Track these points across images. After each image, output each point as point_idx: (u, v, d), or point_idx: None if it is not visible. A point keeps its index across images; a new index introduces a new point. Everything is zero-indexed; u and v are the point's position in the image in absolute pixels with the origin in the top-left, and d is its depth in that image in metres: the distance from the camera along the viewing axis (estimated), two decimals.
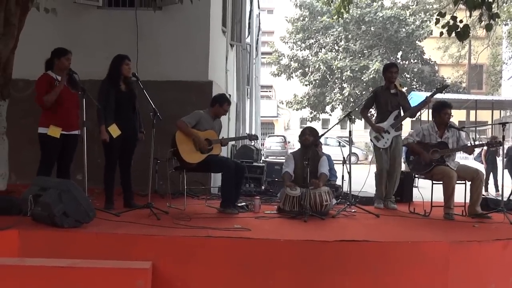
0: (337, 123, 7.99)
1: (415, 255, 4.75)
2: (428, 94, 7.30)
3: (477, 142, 7.24)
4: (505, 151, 11.45)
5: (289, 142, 34.59)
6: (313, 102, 34.75)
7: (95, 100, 5.93)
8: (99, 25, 8.79)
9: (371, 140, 7.27)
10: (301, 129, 7.20)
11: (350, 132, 6.92)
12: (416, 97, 22.44)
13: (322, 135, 6.91)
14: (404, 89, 7.86)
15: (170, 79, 8.49)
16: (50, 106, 5.79)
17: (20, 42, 6.64)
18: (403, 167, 7.60)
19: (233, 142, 10.24)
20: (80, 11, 8.69)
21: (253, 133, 14.76)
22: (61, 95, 5.86)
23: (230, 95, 10.97)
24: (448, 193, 6.35)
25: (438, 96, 7.40)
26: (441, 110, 6.70)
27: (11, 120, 6.93)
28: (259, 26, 19.77)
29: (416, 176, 6.97)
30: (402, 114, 7.21)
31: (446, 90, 7.36)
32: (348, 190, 6.69)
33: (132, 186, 6.53)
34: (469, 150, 6.72)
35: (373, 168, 7.42)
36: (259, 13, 19.98)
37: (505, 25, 30.37)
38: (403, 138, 7.12)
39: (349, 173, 6.62)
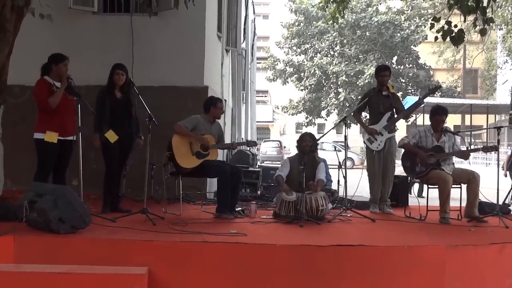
0: (332, 128, 8.00)
1: (411, 259, 4.76)
2: (422, 95, 7.31)
3: (472, 147, 7.26)
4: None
5: (284, 147, 34.60)
6: (309, 107, 34.78)
7: (90, 106, 5.94)
8: (95, 31, 8.79)
9: (364, 142, 7.28)
10: (297, 134, 7.23)
11: (345, 136, 6.94)
12: (411, 102, 22.41)
13: (318, 139, 6.92)
14: (399, 94, 7.88)
15: (166, 84, 8.49)
16: (51, 110, 5.79)
17: (15, 48, 6.63)
18: (397, 171, 7.61)
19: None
20: (75, 16, 8.70)
21: (249, 138, 14.83)
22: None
23: (225, 100, 10.98)
24: (444, 197, 6.36)
25: (432, 100, 7.41)
26: (435, 115, 6.74)
27: (6, 126, 6.91)
28: (255, 31, 19.80)
29: (412, 180, 6.98)
30: (395, 116, 7.23)
31: (441, 94, 7.41)
32: (344, 194, 6.69)
33: (120, 191, 6.54)
34: (465, 155, 6.73)
35: (366, 172, 7.42)
36: (254, 19, 20.00)
37: (499, 29, 30.47)
38: (397, 140, 7.13)
39: (345, 177, 6.63)
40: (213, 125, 6.73)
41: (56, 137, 5.85)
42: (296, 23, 34.30)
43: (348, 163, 6.84)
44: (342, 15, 11.37)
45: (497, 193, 6.39)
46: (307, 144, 6.71)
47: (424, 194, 7.05)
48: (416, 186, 10.42)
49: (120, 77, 6.31)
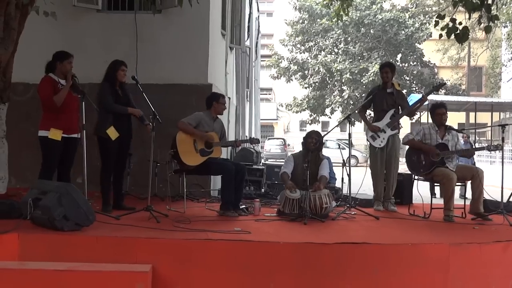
0: (336, 126, 8.01)
1: (415, 257, 4.75)
2: (426, 92, 7.30)
3: (477, 145, 7.24)
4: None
5: (288, 145, 34.59)
6: (313, 104, 34.73)
7: (95, 103, 5.94)
8: (99, 29, 8.80)
9: (367, 139, 7.27)
10: (301, 131, 7.23)
11: (349, 134, 6.93)
12: (415, 99, 22.39)
13: (322, 137, 6.92)
14: (403, 91, 7.85)
15: (170, 82, 8.49)
16: (56, 108, 5.80)
17: (19, 45, 6.64)
18: (401, 169, 7.60)
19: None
20: (79, 14, 8.70)
21: (253, 135, 14.82)
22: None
23: (229, 98, 10.98)
24: (448, 194, 6.35)
25: (437, 98, 7.38)
26: (435, 111, 6.76)
27: (11, 124, 6.92)
28: (259, 29, 19.79)
29: (416, 178, 6.96)
30: (399, 113, 7.22)
31: (445, 92, 7.38)
32: (348, 192, 6.69)
33: (123, 188, 6.54)
34: (469, 153, 6.72)
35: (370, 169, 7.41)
36: (258, 16, 19.98)
37: (504, 27, 30.39)
38: (402, 137, 7.13)
39: (349, 175, 6.62)
40: (215, 122, 6.73)
41: (60, 135, 5.87)
42: (300, 21, 34.24)
43: (352, 161, 6.80)
44: (346, 12, 11.34)
45: (501, 191, 6.38)
46: (313, 141, 6.70)
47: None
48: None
49: (124, 73, 6.31)
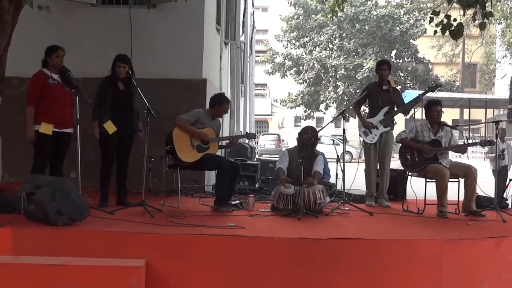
0: (331, 121, 8.01)
1: (409, 252, 4.77)
2: (422, 92, 7.32)
3: (470, 141, 7.26)
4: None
5: (283, 140, 34.63)
6: (307, 100, 34.80)
7: (88, 98, 5.91)
8: (93, 23, 8.76)
9: (359, 134, 7.28)
10: (296, 127, 7.23)
11: (344, 130, 6.93)
12: (410, 96, 22.35)
13: (317, 133, 6.92)
14: (398, 87, 7.87)
15: (164, 77, 8.46)
16: (31, 104, 5.80)
17: (13, 39, 6.60)
18: (394, 165, 7.61)
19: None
20: (73, 8, 8.66)
21: (248, 131, 14.78)
22: (54, 93, 5.87)
23: (224, 93, 10.97)
24: (441, 191, 6.36)
25: (430, 94, 7.39)
26: (431, 108, 6.75)
27: (4, 118, 6.90)
28: (254, 24, 19.75)
29: (409, 174, 6.98)
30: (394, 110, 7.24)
31: (440, 89, 7.38)
32: (342, 188, 6.70)
33: (126, 185, 6.52)
34: (462, 148, 6.74)
35: (363, 165, 7.41)
36: (253, 11, 19.96)
37: (498, 24, 30.49)
38: (395, 135, 7.14)
39: (343, 171, 6.62)
40: (214, 121, 6.72)
41: (51, 129, 5.83)
42: (295, 16, 34.28)
43: (347, 157, 6.81)
44: (341, 8, 11.35)
45: (495, 187, 6.40)
46: (308, 136, 6.69)
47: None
48: None
49: (121, 69, 6.21)
